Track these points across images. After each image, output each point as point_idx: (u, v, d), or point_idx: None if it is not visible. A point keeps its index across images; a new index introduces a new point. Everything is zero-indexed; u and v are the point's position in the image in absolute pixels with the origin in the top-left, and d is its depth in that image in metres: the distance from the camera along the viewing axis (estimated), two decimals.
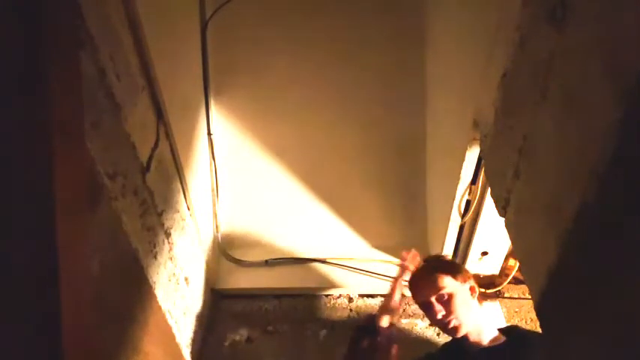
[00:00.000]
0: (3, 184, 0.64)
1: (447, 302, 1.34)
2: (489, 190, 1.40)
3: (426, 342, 1.76)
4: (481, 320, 1.36)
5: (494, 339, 1.36)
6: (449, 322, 1.33)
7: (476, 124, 1.29)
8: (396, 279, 1.50)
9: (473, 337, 1.34)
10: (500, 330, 1.39)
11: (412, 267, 1.48)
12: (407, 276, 1.47)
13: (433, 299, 1.35)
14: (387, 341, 1.39)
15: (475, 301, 1.38)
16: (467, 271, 1.43)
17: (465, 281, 1.38)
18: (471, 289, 1.38)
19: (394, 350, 1.39)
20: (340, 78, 1.85)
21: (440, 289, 1.34)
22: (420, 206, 1.98)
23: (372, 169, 1.97)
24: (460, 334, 1.33)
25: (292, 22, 1.79)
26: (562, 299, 0.74)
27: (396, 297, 1.46)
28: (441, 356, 1.45)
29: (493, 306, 1.84)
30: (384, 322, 1.41)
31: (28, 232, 0.65)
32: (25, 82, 0.63)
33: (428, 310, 1.37)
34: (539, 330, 0.83)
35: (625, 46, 0.57)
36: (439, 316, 1.33)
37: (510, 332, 1.39)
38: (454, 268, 1.41)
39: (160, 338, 1.31)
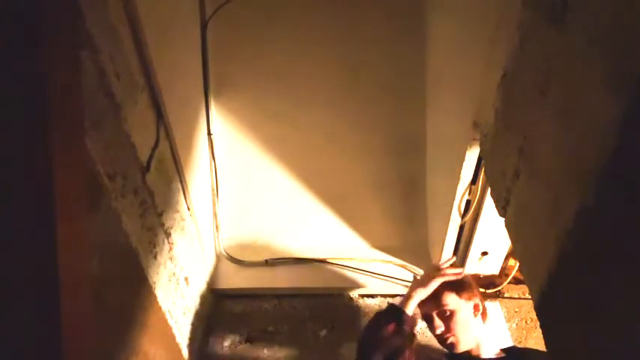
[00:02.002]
0: (3, 184, 0.64)
1: (448, 319, 1.35)
2: (489, 190, 1.40)
3: (426, 342, 1.76)
4: (483, 338, 1.37)
5: (495, 356, 1.36)
6: (447, 339, 1.35)
7: (476, 125, 1.29)
8: (441, 274, 1.40)
9: (475, 352, 1.35)
10: (500, 350, 1.40)
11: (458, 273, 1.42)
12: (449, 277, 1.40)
13: (434, 314, 1.37)
14: (411, 329, 1.38)
15: (477, 319, 1.38)
16: (474, 288, 1.42)
17: (469, 299, 1.38)
18: (475, 306, 1.38)
19: (415, 339, 1.40)
20: (340, 78, 1.85)
21: (442, 305, 1.36)
22: (420, 206, 1.98)
23: (372, 169, 1.97)
24: (457, 351, 1.35)
25: (292, 22, 1.79)
26: (562, 299, 0.74)
27: (431, 289, 1.38)
28: None
29: (493, 306, 1.84)
30: (410, 309, 1.37)
31: (28, 233, 0.65)
32: (25, 82, 0.63)
33: (429, 322, 1.40)
34: (539, 331, 0.83)
35: (625, 46, 0.57)
36: (438, 332, 1.36)
37: (509, 351, 1.41)
38: (461, 285, 1.40)
39: (160, 338, 1.31)
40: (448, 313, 1.35)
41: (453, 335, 1.34)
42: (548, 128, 0.78)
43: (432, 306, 1.37)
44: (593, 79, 0.64)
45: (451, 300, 1.37)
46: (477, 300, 1.40)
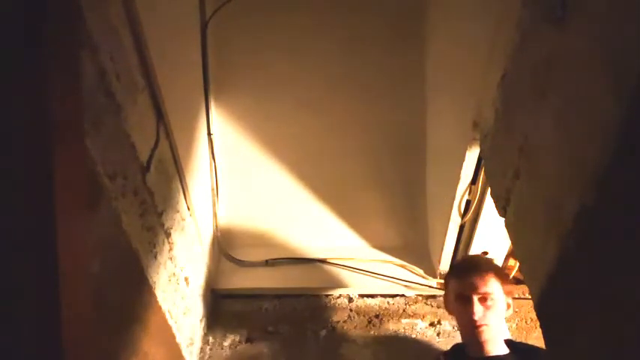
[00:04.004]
0: (3, 184, 0.64)
1: (487, 307, 1.30)
2: (489, 190, 1.40)
3: (426, 342, 1.76)
4: (501, 335, 1.35)
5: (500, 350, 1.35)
6: (479, 327, 1.29)
7: (476, 125, 1.29)
8: None
9: (487, 348, 1.32)
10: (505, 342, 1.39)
11: None
12: None
13: (476, 298, 1.31)
14: None
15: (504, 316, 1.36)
16: (512, 287, 1.40)
17: (508, 294, 1.35)
18: (507, 305, 1.36)
19: None
20: (341, 78, 1.85)
21: (488, 292, 1.30)
22: (420, 206, 1.98)
23: (372, 169, 1.97)
24: (482, 340, 1.30)
25: (292, 23, 1.79)
26: (562, 299, 0.74)
27: None
28: None
29: None
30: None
31: (28, 232, 0.65)
32: (26, 82, 0.63)
33: (463, 304, 1.33)
34: (539, 331, 0.83)
35: (626, 45, 0.57)
36: (475, 317, 1.29)
37: (514, 345, 1.39)
38: (505, 277, 1.38)
39: (160, 338, 1.31)
40: (490, 301, 1.30)
41: (487, 325, 1.29)
42: (549, 128, 0.78)
43: (475, 289, 1.30)
44: (593, 79, 0.64)
45: (497, 288, 1.31)
46: (510, 299, 1.37)
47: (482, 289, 1.31)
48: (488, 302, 1.30)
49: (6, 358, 0.66)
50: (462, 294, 1.34)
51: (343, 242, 2.02)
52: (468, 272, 1.35)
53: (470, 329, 1.32)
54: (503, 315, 1.35)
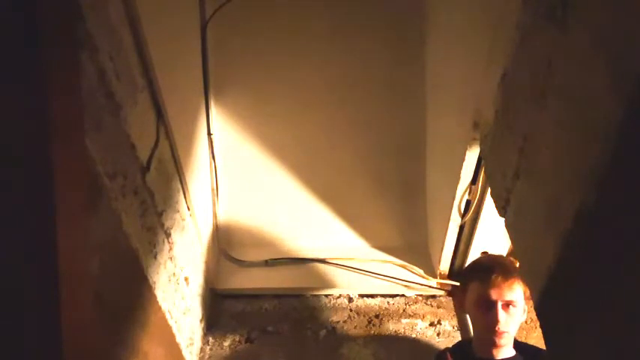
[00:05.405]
0: (3, 184, 0.64)
1: (510, 314, 1.28)
2: (489, 190, 1.41)
3: (426, 342, 1.76)
4: (512, 338, 1.35)
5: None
6: (500, 334, 1.27)
7: (476, 124, 1.29)
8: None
9: (494, 349, 1.31)
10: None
11: None
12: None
13: (500, 304, 1.28)
14: None
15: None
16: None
17: (528, 299, 1.35)
18: (523, 310, 1.35)
19: None
20: (341, 78, 1.85)
21: (514, 299, 1.28)
22: (420, 206, 1.98)
23: (372, 169, 1.97)
24: (498, 345, 1.29)
25: (292, 22, 1.79)
26: (562, 299, 0.74)
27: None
28: None
29: None
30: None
31: (28, 233, 0.65)
32: (25, 82, 0.63)
33: (485, 309, 1.30)
34: (539, 331, 0.83)
35: (626, 46, 0.57)
36: (499, 324, 1.26)
37: (519, 345, 1.39)
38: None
39: (160, 338, 1.31)
40: (512, 309, 1.28)
41: (507, 332, 1.27)
42: (549, 128, 0.78)
43: (501, 295, 1.27)
44: (593, 79, 0.64)
45: (520, 295, 1.29)
46: (526, 305, 1.36)
47: (509, 297, 1.28)
48: (512, 309, 1.28)
49: (7, 358, 0.66)
50: (486, 299, 1.30)
51: (343, 242, 2.02)
52: (495, 276, 1.30)
53: (488, 333, 1.30)
54: (520, 321, 1.34)
